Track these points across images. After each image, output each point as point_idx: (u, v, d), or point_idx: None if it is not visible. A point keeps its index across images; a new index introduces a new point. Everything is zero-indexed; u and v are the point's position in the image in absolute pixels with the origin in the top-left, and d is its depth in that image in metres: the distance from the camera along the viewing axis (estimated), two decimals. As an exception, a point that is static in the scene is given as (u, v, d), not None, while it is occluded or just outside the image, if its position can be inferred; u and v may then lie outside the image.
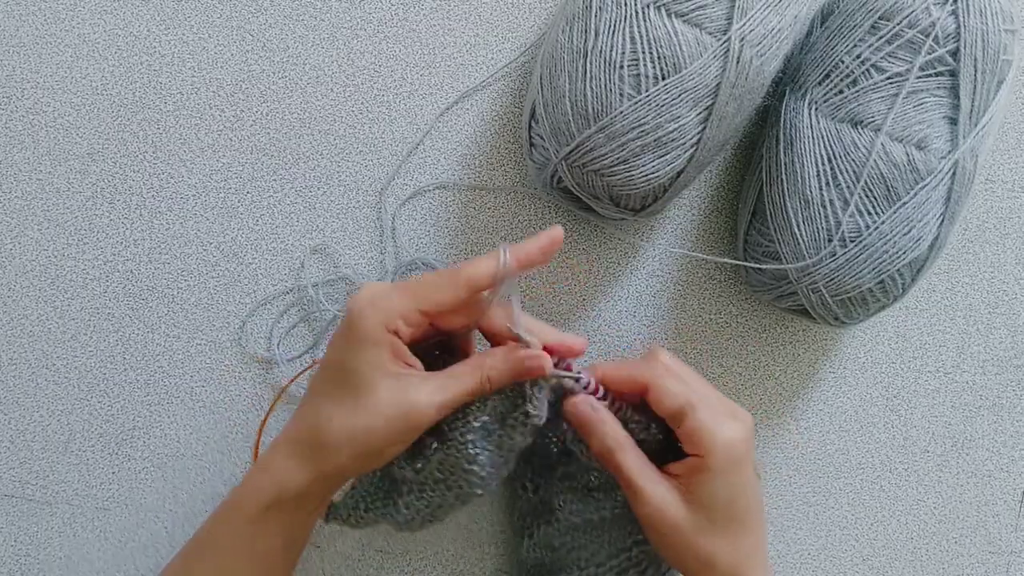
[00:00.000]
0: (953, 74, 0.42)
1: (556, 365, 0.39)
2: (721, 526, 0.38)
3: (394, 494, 0.42)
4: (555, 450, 0.47)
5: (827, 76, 0.44)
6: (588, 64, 0.41)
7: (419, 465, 0.40)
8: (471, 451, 0.39)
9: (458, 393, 0.38)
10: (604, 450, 0.39)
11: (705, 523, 0.38)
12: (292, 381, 0.49)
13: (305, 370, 0.50)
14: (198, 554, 0.40)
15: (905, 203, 0.43)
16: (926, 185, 0.42)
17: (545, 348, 0.39)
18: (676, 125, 0.41)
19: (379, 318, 0.37)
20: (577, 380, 0.40)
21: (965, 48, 0.42)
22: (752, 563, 0.39)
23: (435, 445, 0.40)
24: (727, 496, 0.38)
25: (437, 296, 0.38)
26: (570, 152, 0.43)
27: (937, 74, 0.42)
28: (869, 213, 0.43)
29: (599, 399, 0.40)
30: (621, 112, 0.41)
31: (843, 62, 0.43)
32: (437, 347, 0.43)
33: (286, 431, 0.39)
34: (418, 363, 0.39)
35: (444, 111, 0.50)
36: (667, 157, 0.42)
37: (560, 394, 0.40)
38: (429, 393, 0.37)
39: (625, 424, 0.41)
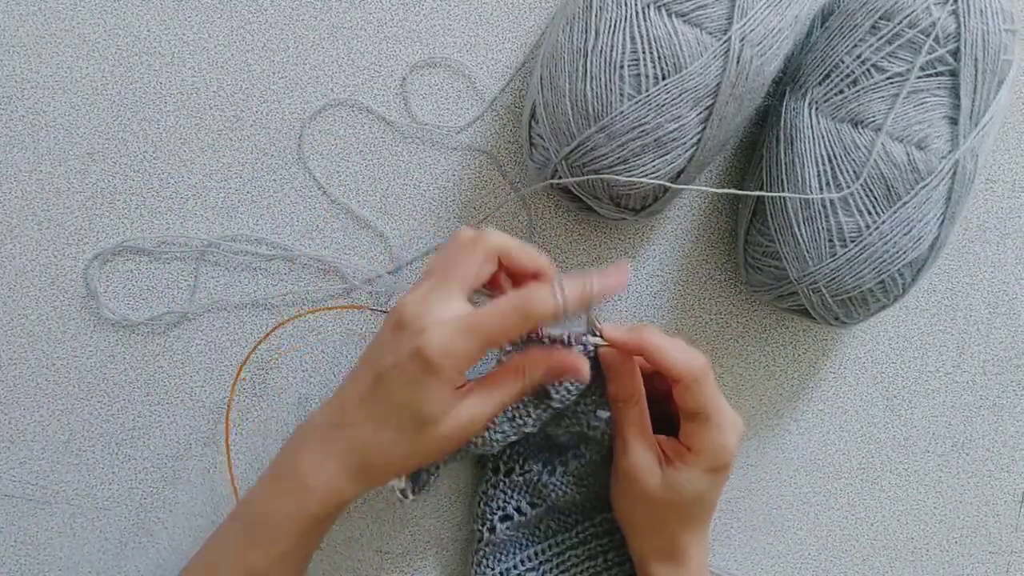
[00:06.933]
0: (953, 74, 0.42)
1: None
2: (683, 509, 0.42)
3: None
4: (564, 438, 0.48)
5: (827, 76, 0.44)
6: (588, 64, 0.41)
7: None
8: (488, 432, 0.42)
9: (503, 402, 0.40)
10: (615, 397, 0.43)
11: (672, 500, 0.41)
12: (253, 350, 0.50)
13: (262, 339, 0.50)
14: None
15: (905, 203, 0.43)
16: (926, 185, 0.42)
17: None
18: (676, 125, 0.41)
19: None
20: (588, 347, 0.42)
21: (965, 48, 0.41)
22: (696, 545, 0.43)
23: None
24: (699, 490, 0.41)
25: (506, 337, 0.38)
26: (570, 152, 0.43)
27: (937, 74, 0.42)
28: (869, 213, 0.43)
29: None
30: (621, 112, 0.41)
31: (843, 62, 0.43)
32: None
33: (330, 448, 0.39)
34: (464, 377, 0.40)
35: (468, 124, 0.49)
36: (667, 157, 0.42)
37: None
38: (480, 412, 0.39)
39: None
